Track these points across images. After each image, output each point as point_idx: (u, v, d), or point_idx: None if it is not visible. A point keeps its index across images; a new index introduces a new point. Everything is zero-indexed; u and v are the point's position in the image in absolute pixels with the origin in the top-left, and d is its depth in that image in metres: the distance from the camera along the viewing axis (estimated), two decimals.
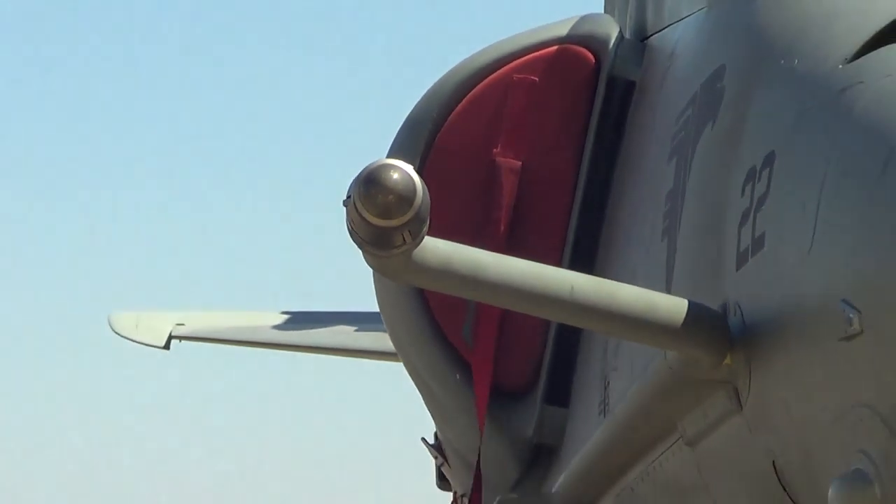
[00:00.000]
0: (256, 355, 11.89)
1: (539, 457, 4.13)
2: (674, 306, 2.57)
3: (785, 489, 2.60)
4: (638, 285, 2.86)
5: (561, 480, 3.92)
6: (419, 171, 2.49)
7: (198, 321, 9.91)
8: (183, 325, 9.75)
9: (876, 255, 2.06)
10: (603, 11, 4.56)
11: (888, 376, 2.08)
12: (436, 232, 2.52)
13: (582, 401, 3.91)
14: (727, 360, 2.58)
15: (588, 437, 3.61)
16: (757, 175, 2.56)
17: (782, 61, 2.74)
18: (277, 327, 9.70)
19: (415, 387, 4.51)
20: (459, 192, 4.03)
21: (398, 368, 4.99)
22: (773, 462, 2.59)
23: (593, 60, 4.05)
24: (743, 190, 2.62)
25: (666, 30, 3.88)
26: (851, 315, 2.08)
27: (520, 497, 4.17)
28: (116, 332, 9.73)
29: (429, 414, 4.67)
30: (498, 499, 4.18)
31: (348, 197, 2.37)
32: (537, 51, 4.10)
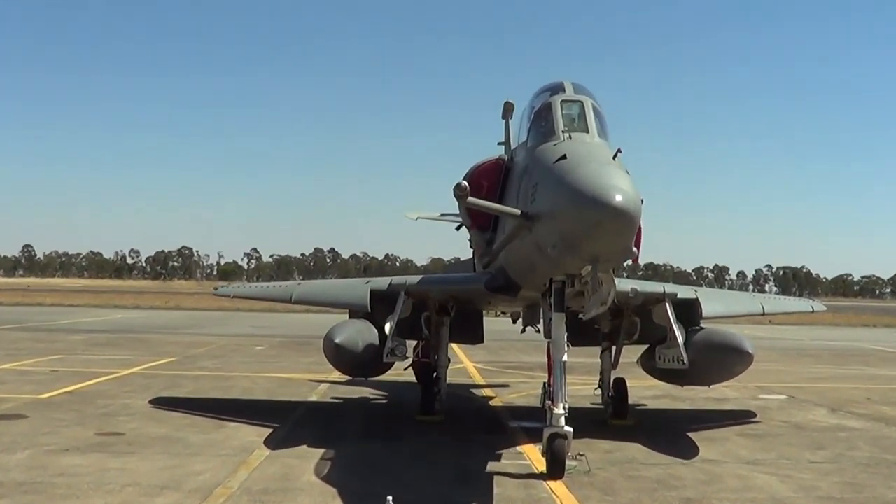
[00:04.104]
0: None
1: (490, 242, 14.83)
2: (517, 212, 12.20)
3: (539, 249, 11.68)
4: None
5: (495, 246, 14.47)
6: (469, 183, 12.99)
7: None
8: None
9: (554, 199, 11.05)
10: (504, 153, 16.69)
11: (561, 229, 10.90)
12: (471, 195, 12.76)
13: (499, 231, 14.45)
14: (529, 222, 11.72)
15: (498, 239, 14.20)
16: (535, 185, 11.82)
17: (538, 162, 12.18)
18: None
19: (468, 230, 16.02)
20: (475, 190, 13.48)
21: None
22: (538, 244, 11.70)
23: (503, 163, 15.19)
24: (532, 188, 11.95)
25: (514, 160, 14.78)
26: (553, 213, 11.00)
27: (486, 250, 15.12)
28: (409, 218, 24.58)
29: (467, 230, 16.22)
30: (482, 250, 15.28)
31: (454, 188, 12.53)
32: (492, 161, 15.47)
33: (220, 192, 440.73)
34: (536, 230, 11.63)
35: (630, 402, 19.63)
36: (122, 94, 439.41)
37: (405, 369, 21.42)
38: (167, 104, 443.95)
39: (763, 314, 21.11)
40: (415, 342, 20.26)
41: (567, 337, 12.69)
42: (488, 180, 15.25)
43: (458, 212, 16.49)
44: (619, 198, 10.25)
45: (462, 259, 23.07)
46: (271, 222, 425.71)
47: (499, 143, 18.14)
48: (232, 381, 25.78)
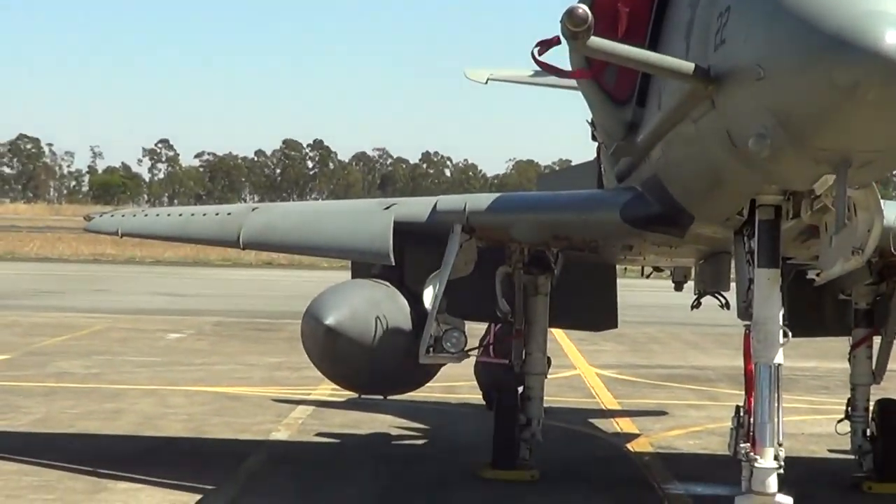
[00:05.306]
0: None
1: (633, 128, 16.22)
2: (688, 66, 12.21)
3: (731, 140, 12.04)
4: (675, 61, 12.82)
5: (641, 136, 15.75)
6: (592, 9, 12.41)
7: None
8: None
9: (762, 41, 10.98)
10: None
11: (775, 99, 10.85)
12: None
13: (649, 106, 15.61)
14: (711, 87, 11.91)
15: (648, 123, 15.40)
16: (723, 14, 11.75)
17: None
18: None
19: (588, 105, 17.76)
20: (604, 24, 14.13)
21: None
22: (727, 131, 12.04)
23: None
24: (718, 19, 11.89)
25: None
26: (760, 70, 10.78)
27: (626, 142, 16.51)
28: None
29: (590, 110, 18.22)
30: (616, 144, 17.05)
31: (563, 18, 11.83)
32: None
33: (98, 36, 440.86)
34: (725, 103, 11.96)
35: None
36: None
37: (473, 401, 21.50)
38: None
39: None
40: (485, 326, 20.79)
41: (785, 318, 12.87)
42: (630, 5, 15.85)
43: (567, 68, 16.85)
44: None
45: (575, 163, 23.34)
46: (199, 91, 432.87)
47: None
48: (121, 399, 26.35)
